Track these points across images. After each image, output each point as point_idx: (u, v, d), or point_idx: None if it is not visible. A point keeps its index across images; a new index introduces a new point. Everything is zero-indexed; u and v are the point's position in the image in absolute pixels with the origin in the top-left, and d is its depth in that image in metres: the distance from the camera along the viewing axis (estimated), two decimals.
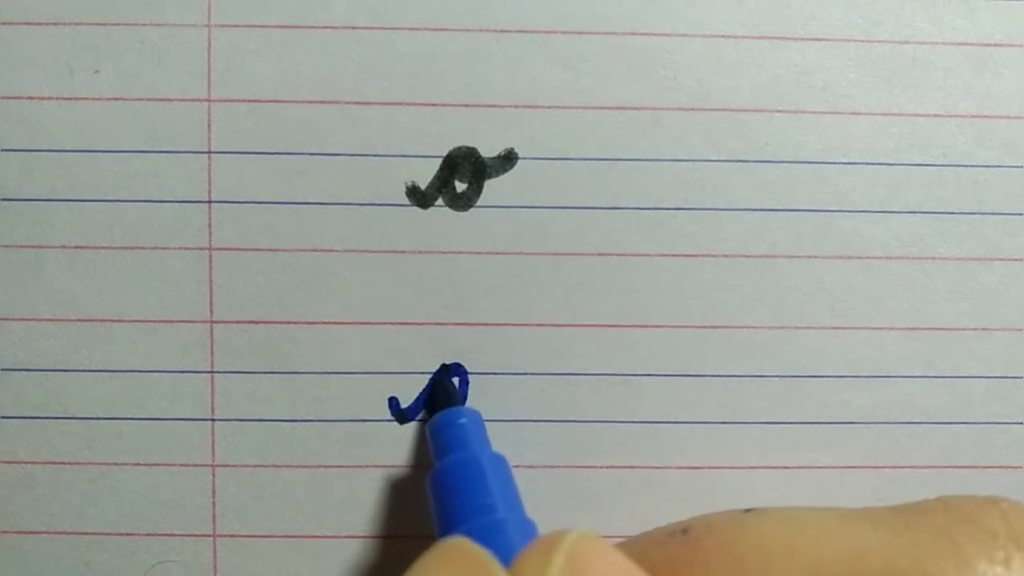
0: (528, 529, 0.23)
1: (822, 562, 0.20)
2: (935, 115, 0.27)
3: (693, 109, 0.27)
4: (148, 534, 0.27)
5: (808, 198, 0.27)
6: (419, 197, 0.27)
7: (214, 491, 0.27)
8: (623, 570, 0.20)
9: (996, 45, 0.27)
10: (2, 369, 0.27)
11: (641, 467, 0.28)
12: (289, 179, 0.27)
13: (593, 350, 0.27)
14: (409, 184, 0.27)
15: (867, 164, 0.27)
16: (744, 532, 0.22)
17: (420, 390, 0.27)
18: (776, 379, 0.27)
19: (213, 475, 0.27)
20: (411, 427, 0.27)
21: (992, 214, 0.27)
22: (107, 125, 0.27)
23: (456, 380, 0.27)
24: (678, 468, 0.28)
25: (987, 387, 0.28)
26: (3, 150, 0.27)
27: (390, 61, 0.27)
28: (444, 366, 0.27)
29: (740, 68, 0.27)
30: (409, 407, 0.27)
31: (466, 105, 0.27)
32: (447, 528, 0.23)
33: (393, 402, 0.27)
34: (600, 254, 0.27)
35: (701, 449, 0.28)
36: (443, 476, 0.24)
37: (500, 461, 0.25)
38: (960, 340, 0.28)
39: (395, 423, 0.27)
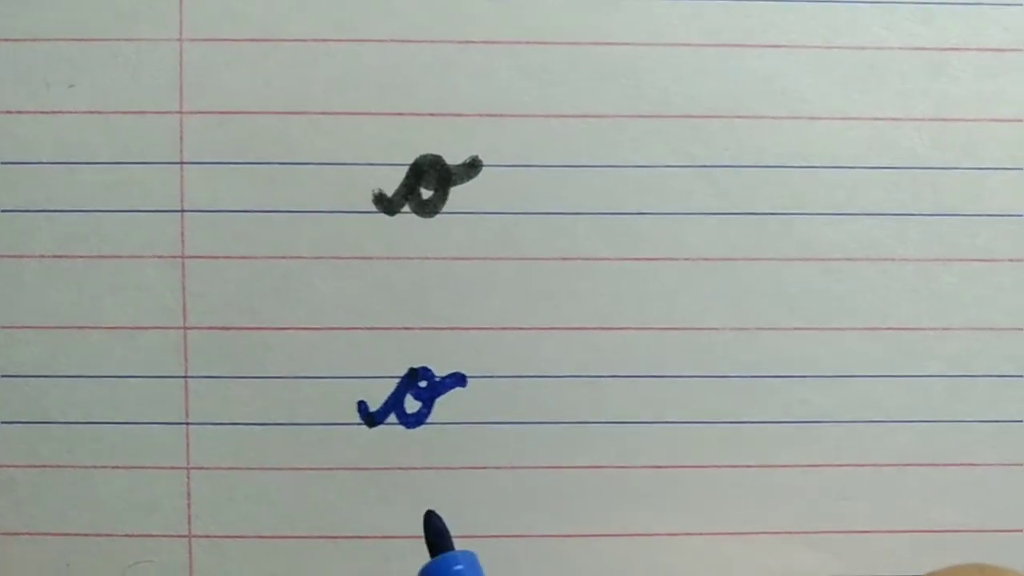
0: None
1: None
2: (893, 119, 0.28)
3: (654, 116, 0.28)
4: (126, 535, 0.28)
5: (768, 202, 0.28)
6: (386, 204, 0.28)
7: (189, 493, 0.28)
8: None
9: (952, 49, 0.28)
10: None
11: (606, 467, 0.28)
12: (259, 188, 0.28)
13: (557, 353, 0.28)
14: (376, 191, 0.28)
15: (826, 168, 0.28)
16: None
17: (388, 394, 0.28)
18: (737, 379, 0.28)
19: (188, 478, 0.28)
20: (379, 430, 0.28)
21: (950, 215, 0.28)
22: (83, 138, 0.27)
23: (425, 383, 0.28)
24: (643, 468, 0.28)
25: (945, 386, 0.28)
26: None
27: (357, 72, 0.27)
28: (410, 373, 0.28)
29: (700, 75, 0.28)
30: (378, 410, 0.28)
31: (431, 114, 0.28)
32: None
33: (362, 406, 0.28)
34: (564, 259, 0.28)
35: (665, 449, 0.28)
36: None
37: None
38: (919, 340, 0.28)
39: (364, 426, 0.28)
